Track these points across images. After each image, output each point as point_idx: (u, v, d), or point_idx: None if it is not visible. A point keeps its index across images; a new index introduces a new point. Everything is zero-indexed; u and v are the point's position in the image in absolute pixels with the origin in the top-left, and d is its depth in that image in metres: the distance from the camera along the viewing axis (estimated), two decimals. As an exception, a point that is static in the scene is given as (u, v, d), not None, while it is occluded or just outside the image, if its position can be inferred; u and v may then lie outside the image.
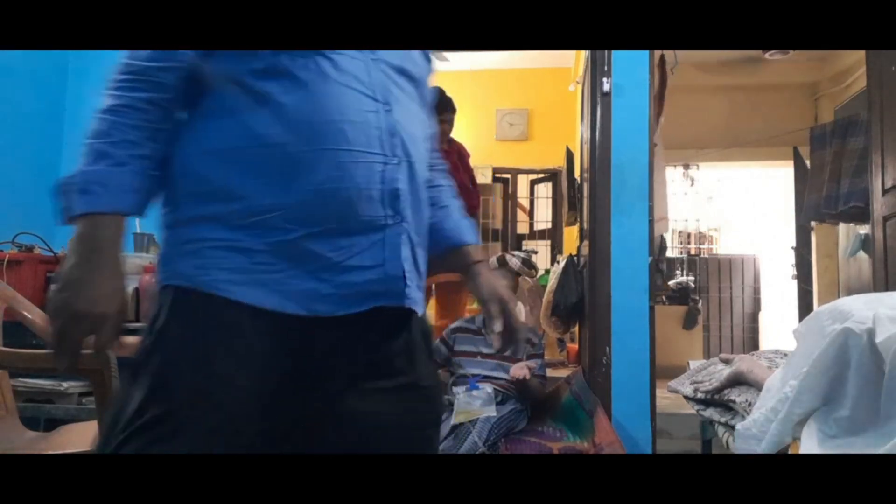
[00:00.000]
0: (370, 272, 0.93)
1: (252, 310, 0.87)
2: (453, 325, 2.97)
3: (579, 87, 4.03)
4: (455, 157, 3.75)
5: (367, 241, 0.92)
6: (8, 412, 1.79)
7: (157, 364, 0.86)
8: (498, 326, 1.08)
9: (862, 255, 4.09)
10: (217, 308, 0.87)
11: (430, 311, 3.71)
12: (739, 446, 1.37)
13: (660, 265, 3.84)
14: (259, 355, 0.88)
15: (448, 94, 3.70)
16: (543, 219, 5.60)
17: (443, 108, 3.65)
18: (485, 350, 2.82)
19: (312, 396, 0.94)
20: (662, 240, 3.85)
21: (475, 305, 3.73)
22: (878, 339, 1.03)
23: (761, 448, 1.29)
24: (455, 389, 2.68)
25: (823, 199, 3.85)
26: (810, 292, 4.80)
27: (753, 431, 1.33)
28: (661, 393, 2.72)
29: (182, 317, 0.87)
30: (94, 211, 0.83)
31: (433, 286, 3.53)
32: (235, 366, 0.87)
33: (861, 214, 3.53)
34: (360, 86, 0.93)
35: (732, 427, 1.66)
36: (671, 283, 5.60)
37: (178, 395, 0.84)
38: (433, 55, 1.12)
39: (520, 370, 2.58)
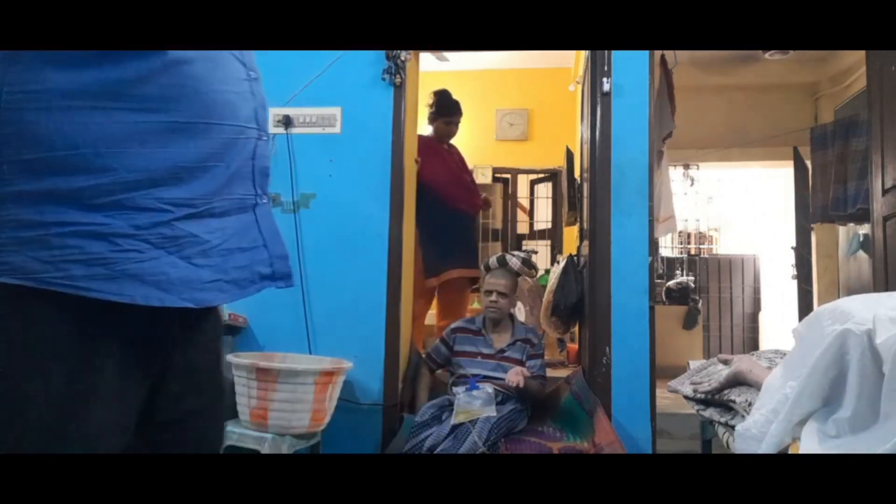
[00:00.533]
0: (251, 254, 0.87)
1: (122, 308, 0.74)
2: (453, 326, 2.97)
3: (579, 87, 4.03)
4: (457, 158, 3.77)
5: (240, 222, 0.86)
6: None
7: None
8: None
9: (862, 255, 4.10)
10: (75, 311, 0.73)
11: (433, 312, 3.71)
12: (739, 446, 1.37)
13: (654, 265, 3.84)
14: (125, 359, 0.78)
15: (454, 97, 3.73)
16: (543, 219, 5.60)
17: (452, 111, 3.68)
18: (485, 350, 2.82)
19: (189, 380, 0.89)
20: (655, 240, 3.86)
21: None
22: (878, 339, 1.03)
23: (761, 449, 1.29)
24: (455, 389, 2.68)
25: (831, 202, 3.85)
26: (810, 292, 4.80)
27: (753, 432, 1.33)
28: (661, 393, 2.72)
29: (28, 326, 0.73)
30: None
31: (436, 287, 3.54)
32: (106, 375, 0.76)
33: (867, 216, 3.54)
34: (238, 53, 0.86)
35: (732, 427, 1.66)
36: (671, 283, 5.60)
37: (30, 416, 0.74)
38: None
39: (515, 376, 2.58)
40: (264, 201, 0.89)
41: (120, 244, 0.74)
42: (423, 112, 3.99)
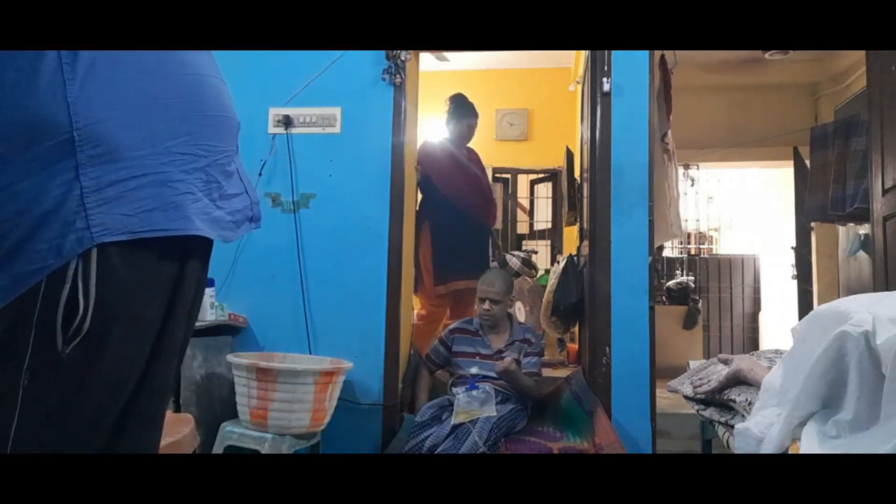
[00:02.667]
0: (241, 199, 0.99)
1: (184, 241, 0.87)
2: (451, 327, 2.97)
3: (579, 87, 4.03)
4: (477, 165, 3.76)
5: (232, 170, 0.98)
6: None
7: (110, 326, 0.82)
8: None
9: (862, 255, 4.09)
10: (156, 252, 0.85)
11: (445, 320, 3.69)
12: (739, 445, 1.36)
13: (656, 265, 3.84)
14: (172, 282, 0.90)
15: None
16: (543, 219, 5.60)
17: (471, 113, 3.69)
18: (483, 351, 2.82)
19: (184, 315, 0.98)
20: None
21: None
22: (878, 340, 1.03)
23: (762, 450, 1.28)
24: (455, 390, 2.68)
25: (830, 201, 3.85)
26: (810, 292, 4.80)
27: (753, 432, 1.33)
28: (661, 393, 2.72)
29: (128, 276, 0.83)
30: None
31: (445, 294, 3.52)
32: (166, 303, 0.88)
33: (866, 215, 3.54)
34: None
35: (732, 427, 1.66)
36: (671, 283, 5.61)
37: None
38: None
39: (502, 363, 2.58)
40: (236, 152, 1.02)
41: (178, 188, 0.86)
42: (431, 114, 3.99)
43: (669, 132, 3.44)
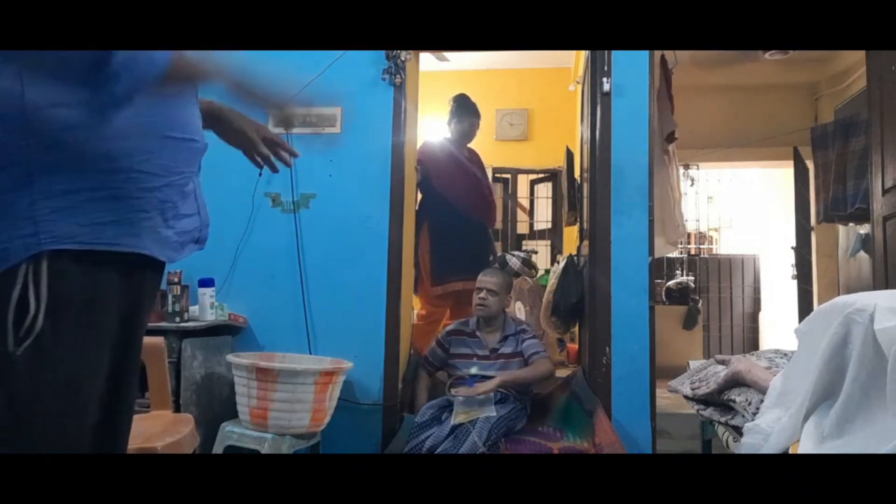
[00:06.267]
0: (192, 220, 1.01)
1: (133, 257, 0.89)
2: (448, 328, 2.97)
3: (579, 87, 4.03)
4: (478, 165, 3.76)
5: (189, 191, 1.00)
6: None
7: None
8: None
9: (862, 255, 4.09)
10: (104, 266, 0.86)
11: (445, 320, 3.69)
12: (747, 442, 1.37)
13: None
14: (123, 299, 0.92)
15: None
16: (543, 219, 5.59)
17: (474, 112, 3.69)
18: (479, 352, 2.82)
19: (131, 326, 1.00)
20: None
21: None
22: (877, 326, 1.04)
23: (769, 443, 1.29)
24: (454, 391, 2.68)
25: (830, 201, 3.86)
26: (810, 292, 4.79)
27: (762, 428, 1.34)
28: (661, 393, 2.72)
29: (78, 284, 0.84)
30: None
31: (443, 295, 3.52)
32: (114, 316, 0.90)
33: (866, 215, 3.54)
34: None
35: (732, 427, 1.67)
36: (671, 283, 5.60)
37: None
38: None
39: (488, 386, 2.56)
40: (196, 174, 1.04)
41: (133, 205, 0.87)
42: (431, 114, 3.98)
43: (675, 131, 3.43)
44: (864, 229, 4.02)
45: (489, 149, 5.30)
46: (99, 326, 0.88)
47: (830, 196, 3.86)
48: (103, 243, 0.85)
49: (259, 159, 1.15)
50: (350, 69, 2.89)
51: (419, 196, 3.52)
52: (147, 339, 2.07)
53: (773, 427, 1.30)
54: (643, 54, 2.81)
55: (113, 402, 0.94)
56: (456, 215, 3.51)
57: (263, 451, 2.32)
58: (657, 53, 3.22)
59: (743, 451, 1.39)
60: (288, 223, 2.88)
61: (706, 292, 6.29)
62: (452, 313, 3.57)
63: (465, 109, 3.67)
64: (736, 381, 1.70)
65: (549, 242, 5.45)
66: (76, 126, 0.83)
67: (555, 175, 5.35)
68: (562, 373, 3.39)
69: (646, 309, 2.72)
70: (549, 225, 5.49)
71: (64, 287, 0.82)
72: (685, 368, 2.32)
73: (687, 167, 5.60)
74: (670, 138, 3.45)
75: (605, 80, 2.80)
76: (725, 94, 5.06)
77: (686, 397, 1.99)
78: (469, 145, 3.75)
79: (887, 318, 1.04)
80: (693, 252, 7.04)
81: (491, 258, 3.87)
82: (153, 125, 0.91)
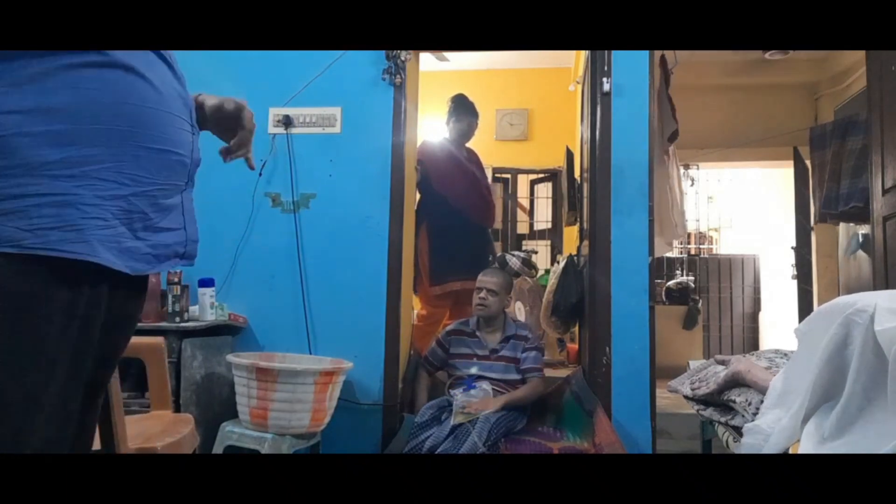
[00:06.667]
0: (174, 234, 1.00)
1: (85, 265, 0.86)
2: (448, 328, 2.97)
3: (579, 87, 4.03)
4: (476, 165, 3.76)
5: (171, 204, 0.99)
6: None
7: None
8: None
9: (862, 254, 4.09)
10: (50, 272, 0.84)
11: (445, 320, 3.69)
12: (747, 442, 1.37)
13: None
14: (79, 312, 0.89)
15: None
16: (543, 219, 5.60)
17: (472, 112, 3.69)
18: (479, 352, 2.83)
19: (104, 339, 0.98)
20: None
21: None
22: (877, 327, 1.04)
23: (769, 443, 1.29)
24: (453, 392, 2.68)
25: (823, 199, 3.86)
26: (810, 292, 4.79)
27: (763, 428, 1.34)
28: (661, 393, 2.72)
29: (16, 288, 0.82)
30: None
31: (441, 295, 3.52)
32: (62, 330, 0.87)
33: (861, 214, 3.54)
34: (165, 54, 1.00)
35: (732, 427, 1.67)
36: (671, 283, 5.60)
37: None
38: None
39: (491, 404, 2.57)
40: (189, 188, 1.03)
41: (88, 212, 0.85)
42: (431, 114, 3.97)
43: (677, 129, 3.43)
44: (863, 229, 4.02)
45: (489, 149, 5.31)
46: (48, 339, 0.85)
47: (823, 195, 3.86)
48: (45, 248, 0.82)
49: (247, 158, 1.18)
50: (350, 69, 2.89)
51: (418, 196, 3.52)
52: (147, 339, 2.10)
53: (774, 427, 1.30)
54: (643, 54, 2.81)
55: (57, 418, 0.90)
56: (454, 215, 3.51)
57: (263, 451, 2.32)
58: (657, 53, 3.22)
59: (743, 452, 1.39)
60: (288, 223, 2.88)
61: (706, 292, 6.29)
62: (452, 313, 3.57)
63: (463, 109, 3.67)
64: (736, 382, 1.70)
65: (549, 242, 5.46)
66: (28, 133, 0.82)
67: (555, 175, 5.36)
68: (562, 373, 3.39)
69: (646, 309, 2.72)
70: (549, 225, 5.49)
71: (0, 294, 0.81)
72: (685, 368, 2.32)
73: (687, 167, 5.60)
74: (672, 138, 3.45)
75: (605, 80, 2.80)
76: (725, 94, 5.06)
77: (686, 397, 1.99)
78: (468, 145, 3.75)
79: (887, 319, 1.04)
80: (693, 252, 7.04)
81: (491, 258, 3.87)
82: (128, 135, 0.89)
